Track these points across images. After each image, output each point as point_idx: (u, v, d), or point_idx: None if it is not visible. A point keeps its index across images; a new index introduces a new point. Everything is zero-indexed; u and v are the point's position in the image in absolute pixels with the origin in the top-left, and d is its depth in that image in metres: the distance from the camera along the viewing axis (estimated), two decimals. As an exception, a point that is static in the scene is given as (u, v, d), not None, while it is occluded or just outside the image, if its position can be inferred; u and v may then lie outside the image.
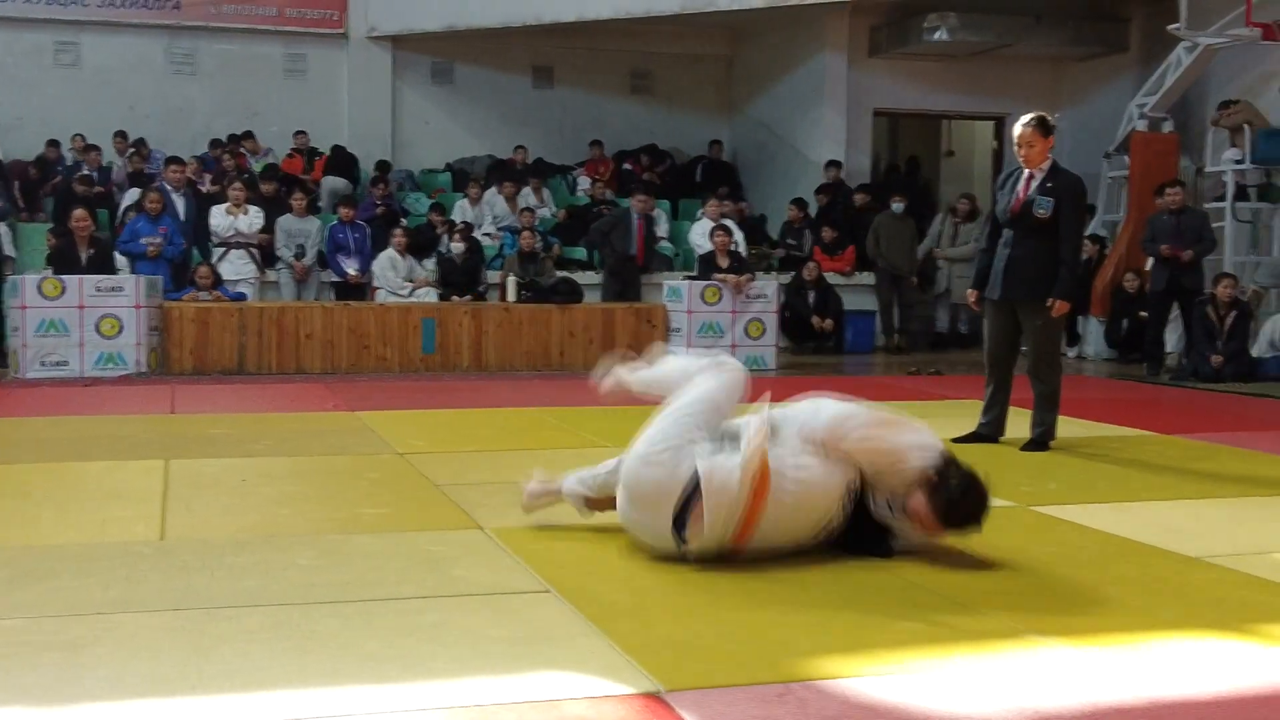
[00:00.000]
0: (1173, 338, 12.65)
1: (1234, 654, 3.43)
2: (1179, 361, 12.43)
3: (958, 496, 4.20)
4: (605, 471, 4.58)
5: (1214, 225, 12.57)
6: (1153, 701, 3.03)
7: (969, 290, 7.34)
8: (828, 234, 15.01)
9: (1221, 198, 13.66)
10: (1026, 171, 6.90)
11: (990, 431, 7.19)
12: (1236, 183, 13.53)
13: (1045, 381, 7.05)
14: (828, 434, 4.22)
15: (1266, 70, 13.80)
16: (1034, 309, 6.90)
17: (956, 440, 6.81)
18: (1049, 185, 6.82)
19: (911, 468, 4.23)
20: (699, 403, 4.31)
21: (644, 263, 13.87)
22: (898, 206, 14.71)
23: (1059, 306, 6.85)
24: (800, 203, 15.54)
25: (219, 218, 12.87)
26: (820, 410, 4.32)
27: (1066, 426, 7.93)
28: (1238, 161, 13.47)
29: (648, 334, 12.33)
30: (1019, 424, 7.22)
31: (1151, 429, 7.97)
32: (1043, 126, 6.82)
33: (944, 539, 4.36)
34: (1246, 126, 13.40)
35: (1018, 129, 6.85)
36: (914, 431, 4.36)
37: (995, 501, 4.68)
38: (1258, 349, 11.87)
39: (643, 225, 13.80)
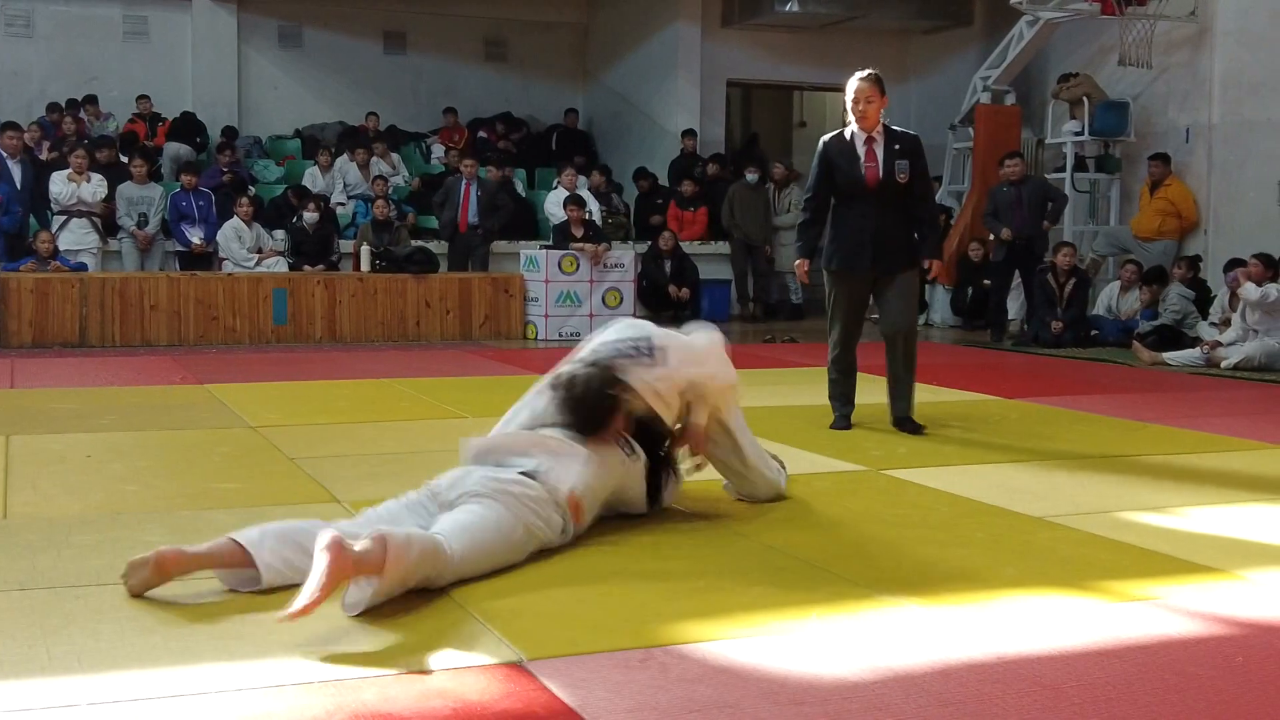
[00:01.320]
0: (1014, 305, 13.02)
1: (1078, 610, 3.55)
2: (1021, 328, 12.81)
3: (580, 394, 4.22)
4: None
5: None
6: (1000, 657, 3.13)
7: (798, 260, 7.01)
8: (688, 187, 15.05)
9: (1062, 168, 14.10)
10: (862, 137, 6.50)
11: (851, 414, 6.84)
12: (1076, 154, 13.97)
13: (910, 353, 6.75)
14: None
15: (1105, 44, 14.23)
16: (904, 278, 6.61)
17: (835, 427, 6.68)
18: (897, 148, 6.50)
19: None
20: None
21: (465, 230, 13.40)
22: (751, 176, 14.86)
23: (937, 267, 6.68)
24: (644, 172, 15.58)
25: (59, 185, 12.41)
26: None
27: (916, 392, 8.14)
28: (1077, 133, 13.90)
29: (505, 304, 12.29)
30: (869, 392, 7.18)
31: (996, 394, 8.20)
32: (879, 83, 6.48)
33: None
34: (1085, 99, 13.83)
35: (854, 84, 6.46)
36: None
37: (846, 465, 4.78)
38: (1095, 314, 12.28)
39: (469, 191, 13.46)
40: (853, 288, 6.69)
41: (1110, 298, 12.29)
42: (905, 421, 6.68)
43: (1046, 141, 14.80)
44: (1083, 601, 3.62)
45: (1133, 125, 13.93)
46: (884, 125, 6.52)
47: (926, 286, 14.39)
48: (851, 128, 6.57)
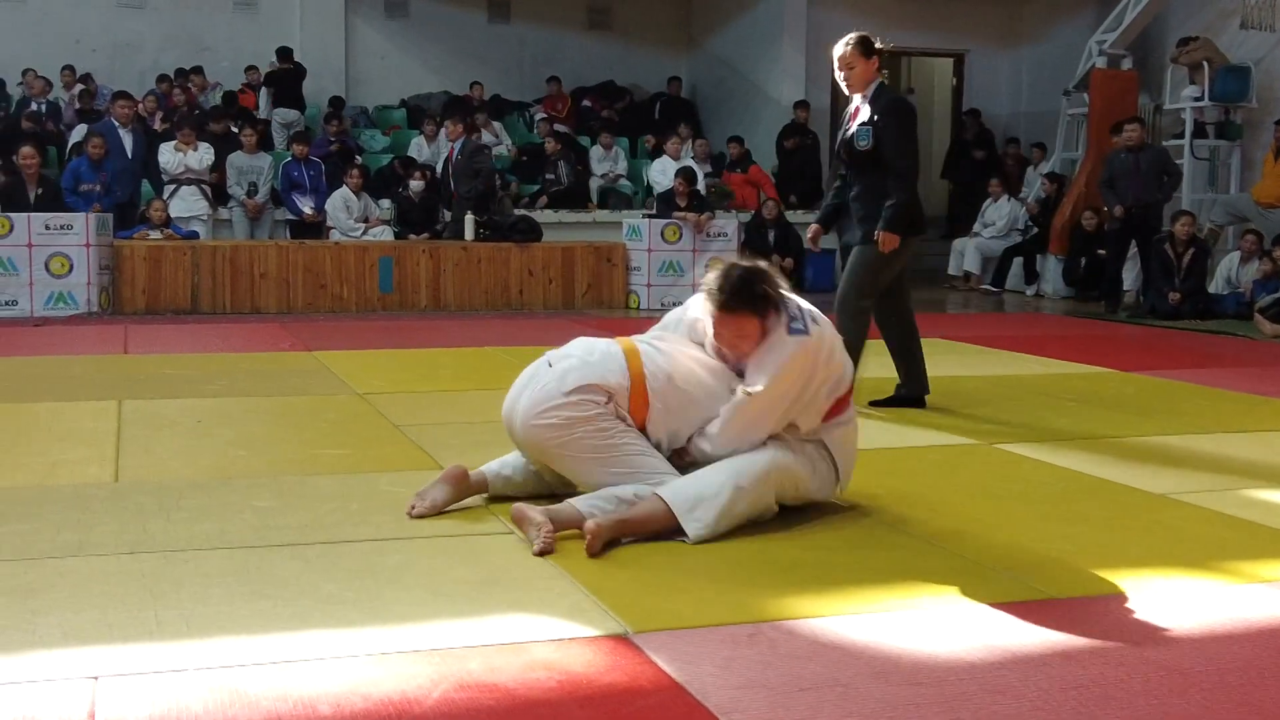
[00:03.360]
0: (1130, 275, 12.69)
1: (1205, 591, 3.41)
2: (1137, 299, 12.48)
3: (722, 280, 3.93)
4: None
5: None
6: (1125, 639, 3.01)
7: (811, 225, 6.64)
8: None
9: (1180, 135, 13.68)
10: (854, 102, 6.22)
11: (910, 392, 6.37)
12: (1195, 120, 13.54)
13: (843, 331, 6.04)
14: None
15: (1226, 7, 13.77)
16: (858, 251, 6.22)
17: (875, 404, 6.24)
18: (871, 115, 6.11)
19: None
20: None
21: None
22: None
23: (885, 239, 6.04)
24: (735, 139, 15.43)
25: (167, 155, 12.62)
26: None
27: (1027, 364, 7.96)
28: (1196, 99, 13.47)
29: (608, 272, 12.25)
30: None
31: (1111, 366, 7.98)
32: (864, 46, 6.10)
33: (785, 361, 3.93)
34: (1205, 63, 13.39)
35: (838, 50, 6.14)
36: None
37: (957, 439, 4.67)
38: (1214, 286, 11.93)
39: (452, 156, 12.88)
40: (845, 257, 6.50)
41: (1230, 268, 11.91)
42: None
43: (1165, 107, 14.34)
44: (1211, 583, 3.48)
45: (1255, 90, 13.46)
46: (879, 87, 6.16)
47: (1039, 257, 14.15)
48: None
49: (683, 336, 4.20)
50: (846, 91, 6.24)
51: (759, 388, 3.90)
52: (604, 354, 4.06)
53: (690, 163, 13.88)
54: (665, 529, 3.77)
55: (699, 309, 4.11)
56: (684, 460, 4.09)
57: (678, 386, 4.01)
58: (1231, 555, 3.74)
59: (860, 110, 6.18)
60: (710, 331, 4.04)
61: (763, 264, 4.04)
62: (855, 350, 5.90)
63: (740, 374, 4.04)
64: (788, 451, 3.98)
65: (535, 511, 3.73)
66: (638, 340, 4.15)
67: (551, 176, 14.49)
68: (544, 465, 4.15)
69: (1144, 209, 11.78)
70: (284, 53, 15.42)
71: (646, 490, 3.85)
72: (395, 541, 3.76)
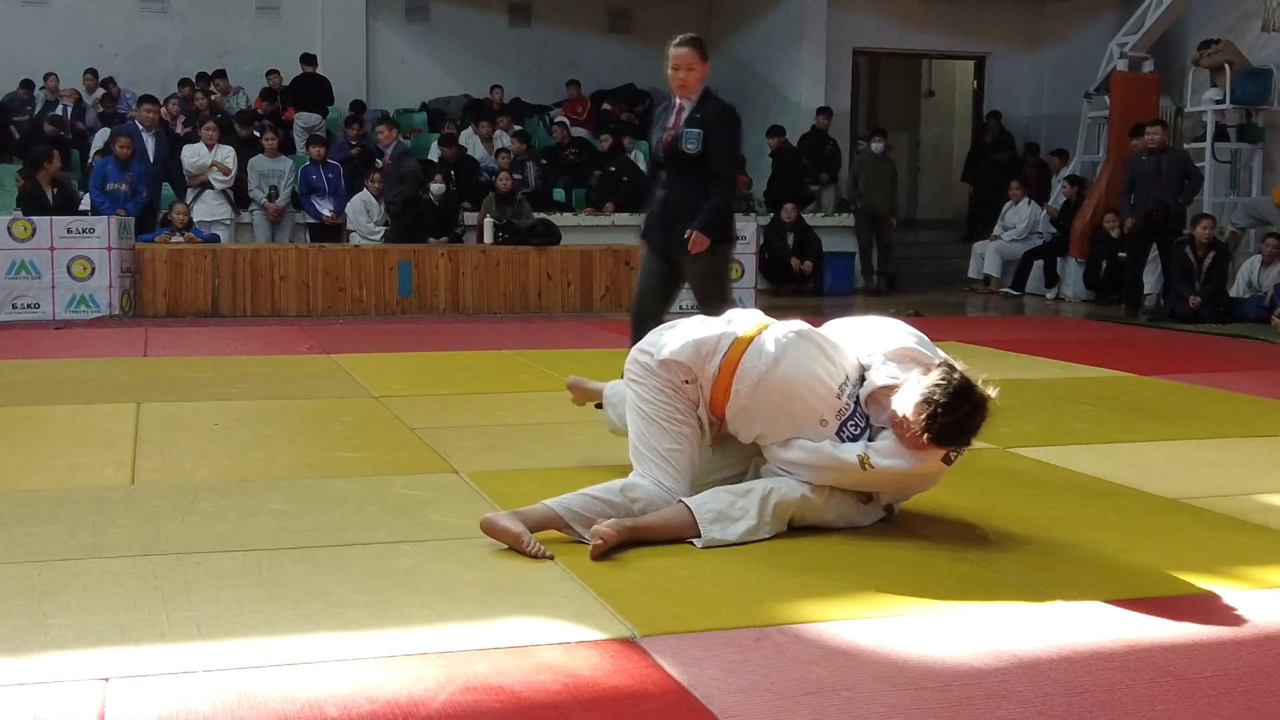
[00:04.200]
0: (1151, 278, 12.65)
1: (1214, 596, 3.41)
2: (1157, 302, 12.44)
3: (948, 402, 3.70)
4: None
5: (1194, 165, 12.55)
6: (1131, 645, 3.01)
7: (641, 239, 6.35)
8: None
9: (1201, 138, 13.62)
10: (678, 102, 5.98)
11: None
12: (1216, 123, 13.47)
13: None
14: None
15: (1247, 9, 13.70)
16: (694, 258, 5.99)
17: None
18: (697, 116, 5.91)
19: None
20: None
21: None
22: (878, 147, 14.63)
23: (696, 239, 5.89)
24: (778, 130, 15.42)
25: (190, 153, 12.73)
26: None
27: (1046, 368, 7.95)
28: (1218, 101, 13.41)
29: (626, 275, 12.26)
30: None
31: (1130, 370, 7.95)
32: (702, 49, 5.92)
33: (929, 459, 3.87)
34: (1227, 66, 13.33)
35: (673, 49, 5.89)
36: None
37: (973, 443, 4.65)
38: (1235, 290, 11.87)
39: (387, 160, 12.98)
40: (649, 262, 6.16)
41: (1251, 271, 11.85)
42: None
43: (1186, 110, 14.28)
44: (1220, 588, 3.47)
45: (1276, 93, 13.39)
46: (705, 92, 5.95)
47: (1059, 260, 14.11)
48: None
49: (840, 347, 4.04)
50: (677, 91, 5.95)
51: (884, 463, 3.83)
52: (719, 336, 3.97)
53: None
54: (681, 536, 3.79)
55: (887, 375, 3.89)
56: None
57: (764, 394, 3.89)
58: (1241, 560, 3.73)
59: (682, 113, 5.95)
60: (895, 414, 3.80)
61: (992, 395, 3.80)
62: None
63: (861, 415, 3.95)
64: (816, 490, 3.95)
65: (507, 520, 3.72)
66: (770, 331, 3.98)
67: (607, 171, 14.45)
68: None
69: (1164, 212, 11.74)
70: (307, 59, 15.52)
71: (645, 489, 3.85)
72: (407, 545, 3.78)
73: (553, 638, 3.01)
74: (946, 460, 3.90)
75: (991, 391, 3.78)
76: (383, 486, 4.54)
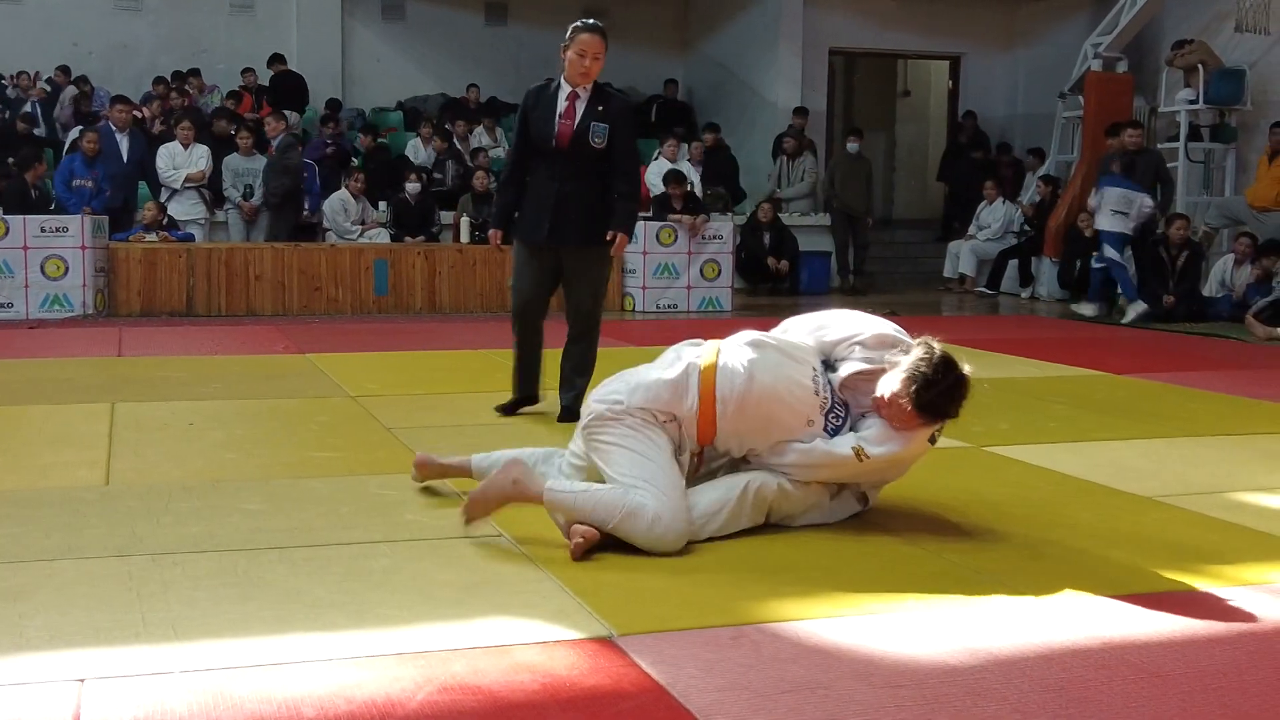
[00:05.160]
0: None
1: (1187, 594, 3.43)
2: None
3: (935, 377, 3.78)
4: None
5: (1167, 165, 12.62)
6: (1106, 642, 3.03)
7: (491, 231, 6.15)
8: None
9: (1175, 138, 13.70)
10: (566, 90, 5.74)
11: (533, 392, 6.11)
12: (1190, 123, 13.57)
13: (592, 342, 6.02)
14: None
15: (1221, 9, 13.79)
16: (589, 255, 5.84)
17: (500, 409, 6.07)
18: (600, 110, 5.72)
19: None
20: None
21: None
22: (853, 146, 14.67)
23: (621, 240, 5.79)
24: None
25: (165, 161, 12.64)
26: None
27: (1020, 366, 7.98)
28: (1191, 101, 13.49)
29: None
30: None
31: (1103, 369, 8.00)
32: (606, 38, 5.72)
33: (916, 440, 3.90)
34: (1201, 66, 13.42)
35: (584, 35, 5.66)
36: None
37: (947, 442, 4.67)
38: (1208, 289, 11.95)
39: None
40: (534, 260, 5.91)
41: (1224, 271, 11.93)
42: (564, 415, 5.90)
43: (1160, 110, 14.38)
44: (1192, 585, 3.49)
45: (1249, 93, 13.49)
46: (602, 86, 5.80)
47: (1034, 259, 14.17)
48: (559, 79, 5.80)
49: (808, 345, 4.06)
50: (577, 79, 5.71)
51: (877, 450, 3.85)
52: (683, 371, 3.89)
53: (686, 165, 13.91)
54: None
55: (862, 358, 3.95)
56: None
57: (749, 412, 3.86)
58: (1214, 558, 3.76)
59: (577, 102, 5.74)
60: (882, 397, 3.83)
61: (967, 370, 3.86)
62: (594, 361, 5.97)
63: (841, 404, 3.97)
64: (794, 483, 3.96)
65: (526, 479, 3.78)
66: (726, 353, 3.94)
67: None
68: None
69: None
70: (277, 58, 15.47)
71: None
72: (383, 545, 3.77)
73: (530, 637, 3.01)
74: (931, 440, 3.94)
75: (967, 368, 3.86)
76: (359, 487, 4.53)
